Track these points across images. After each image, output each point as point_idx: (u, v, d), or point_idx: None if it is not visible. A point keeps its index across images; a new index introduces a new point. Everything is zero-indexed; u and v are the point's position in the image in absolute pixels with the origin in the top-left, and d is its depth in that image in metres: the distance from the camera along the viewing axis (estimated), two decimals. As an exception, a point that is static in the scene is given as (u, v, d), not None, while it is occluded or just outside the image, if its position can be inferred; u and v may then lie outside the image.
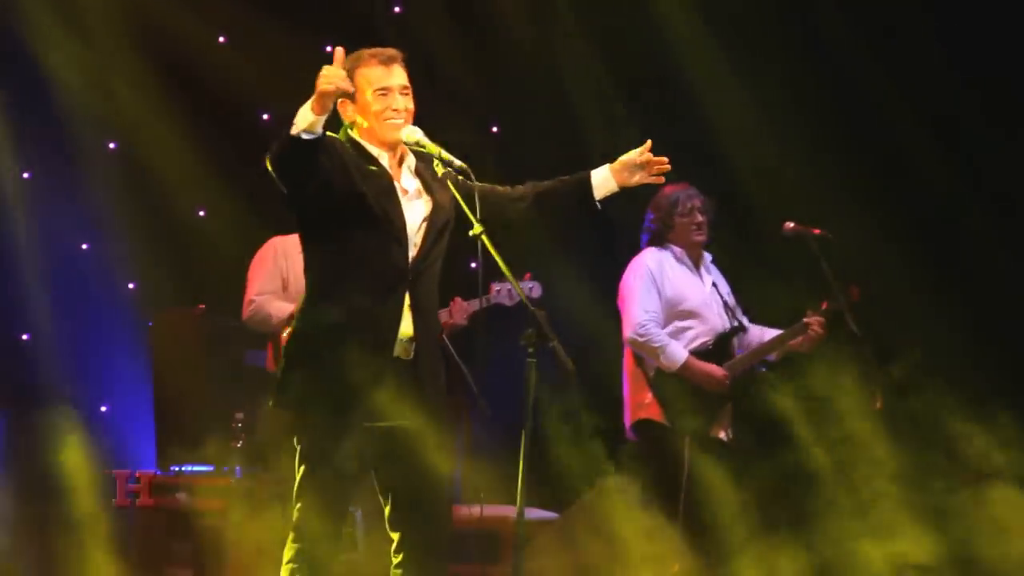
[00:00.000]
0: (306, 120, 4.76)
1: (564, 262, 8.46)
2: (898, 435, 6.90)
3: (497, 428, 7.75)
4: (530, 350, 4.95)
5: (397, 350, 5.00)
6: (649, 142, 5.22)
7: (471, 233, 4.97)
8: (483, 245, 4.95)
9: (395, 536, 5.04)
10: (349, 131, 5.14)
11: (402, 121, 5.08)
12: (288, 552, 5.00)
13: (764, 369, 7.09)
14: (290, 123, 4.78)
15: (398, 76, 5.11)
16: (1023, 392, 7.64)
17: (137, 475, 7.42)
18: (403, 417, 4.97)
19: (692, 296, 6.94)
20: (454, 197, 5.08)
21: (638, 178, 5.25)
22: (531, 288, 7.04)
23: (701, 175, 7.27)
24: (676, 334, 6.90)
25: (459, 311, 6.94)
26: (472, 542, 7.34)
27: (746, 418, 7.04)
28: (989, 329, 8.09)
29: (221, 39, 8.81)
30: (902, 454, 6.91)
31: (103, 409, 8.55)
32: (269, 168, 4.88)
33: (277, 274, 6.95)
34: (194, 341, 7.61)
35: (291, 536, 5.00)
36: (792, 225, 7.02)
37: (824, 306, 6.90)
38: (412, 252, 5.04)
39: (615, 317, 7.12)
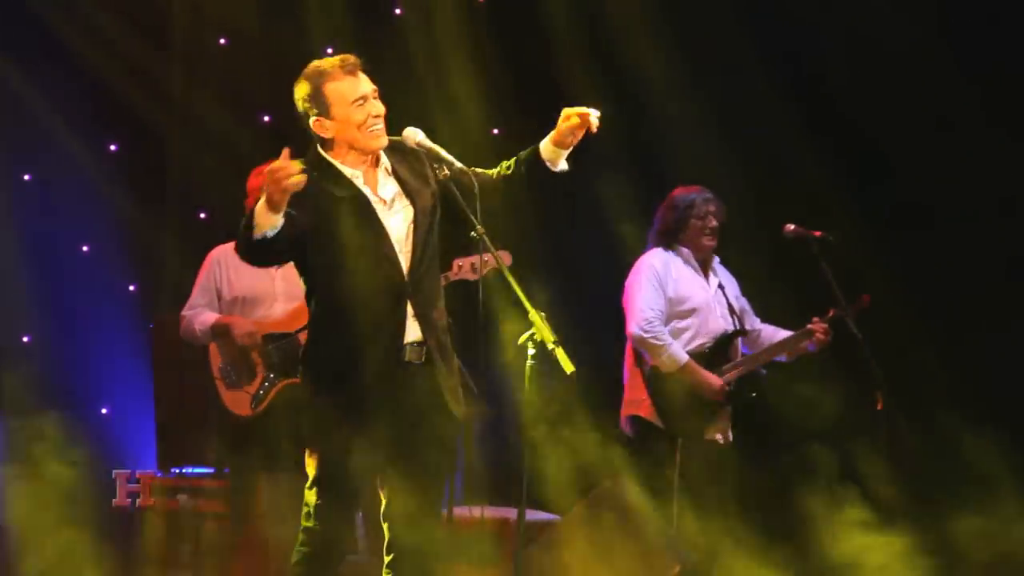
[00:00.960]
0: (267, 222, 4.75)
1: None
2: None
3: (498, 429, 7.77)
4: (531, 351, 4.95)
5: (408, 355, 5.00)
6: (565, 109, 5.14)
7: (472, 234, 4.98)
8: (484, 246, 4.96)
9: (387, 530, 5.04)
10: (320, 149, 5.10)
11: (382, 127, 5.07)
12: (300, 535, 5.01)
13: (764, 371, 7.09)
14: (248, 224, 4.77)
15: (366, 82, 5.09)
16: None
17: (137, 476, 7.42)
18: (414, 419, 4.98)
19: (695, 297, 6.96)
20: (435, 190, 5.09)
21: (570, 139, 5.15)
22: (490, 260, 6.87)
23: (703, 177, 7.30)
24: (675, 333, 6.91)
25: None
26: (473, 543, 7.33)
27: (745, 421, 7.05)
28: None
29: (222, 41, 8.81)
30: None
31: (104, 411, 8.54)
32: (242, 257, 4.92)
33: (210, 285, 6.96)
34: (195, 344, 7.60)
35: (303, 519, 5.01)
36: (792, 227, 7.02)
37: (831, 313, 6.90)
38: (405, 263, 5.03)
39: (613, 317, 7.15)
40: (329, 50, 8.16)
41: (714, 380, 6.84)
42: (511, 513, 6.70)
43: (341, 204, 4.99)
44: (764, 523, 6.87)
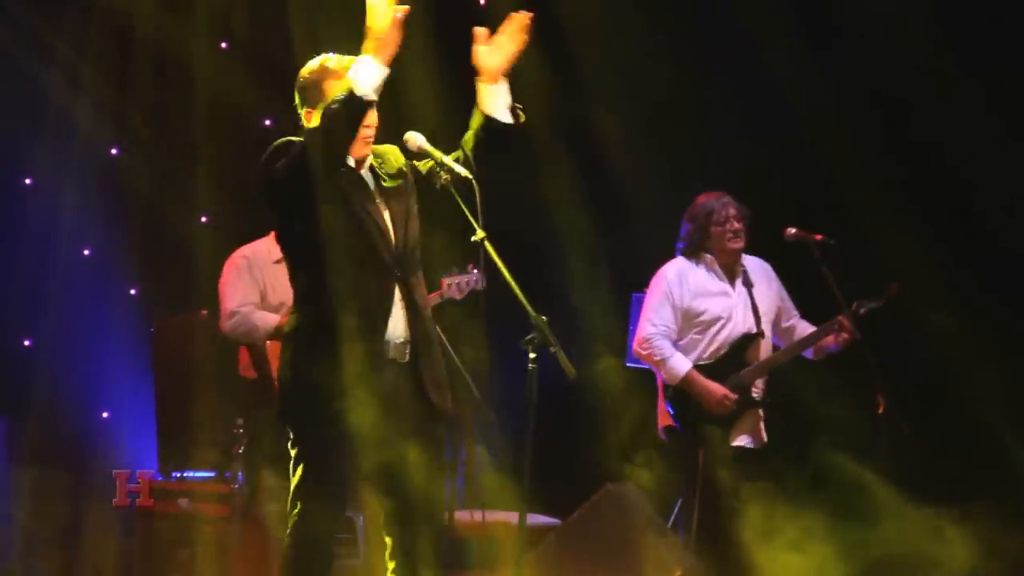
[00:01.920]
0: (378, 75, 4.77)
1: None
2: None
3: (499, 433, 7.77)
4: (531, 356, 4.94)
5: (393, 352, 4.99)
6: (475, 28, 5.12)
7: (473, 239, 4.97)
8: (485, 251, 4.96)
9: (388, 541, 5.04)
10: None
11: (371, 135, 5.07)
12: (287, 537, 4.99)
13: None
14: (339, 99, 4.77)
15: None
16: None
17: (138, 475, 7.42)
18: (400, 422, 4.96)
19: (713, 308, 6.91)
20: (409, 180, 5.11)
21: (499, 57, 5.12)
22: (476, 280, 6.90)
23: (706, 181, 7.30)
24: (692, 343, 6.89)
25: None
26: (474, 548, 7.33)
27: (779, 424, 7.03)
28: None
29: (223, 45, 8.81)
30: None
31: (104, 415, 8.54)
32: (316, 147, 4.84)
33: (254, 285, 6.94)
34: (196, 347, 7.60)
35: (289, 519, 4.99)
36: (794, 231, 7.00)
37: (854, 307, 6.86)
38: (393, 244, 5.03)
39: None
40: (330, 55, 8.16)
41: (714, 390, 6.80)
42: (512, 517, 6.69)
43: (343, 180, 5.01)
44: (796, 524, 6.85)
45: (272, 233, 6.64)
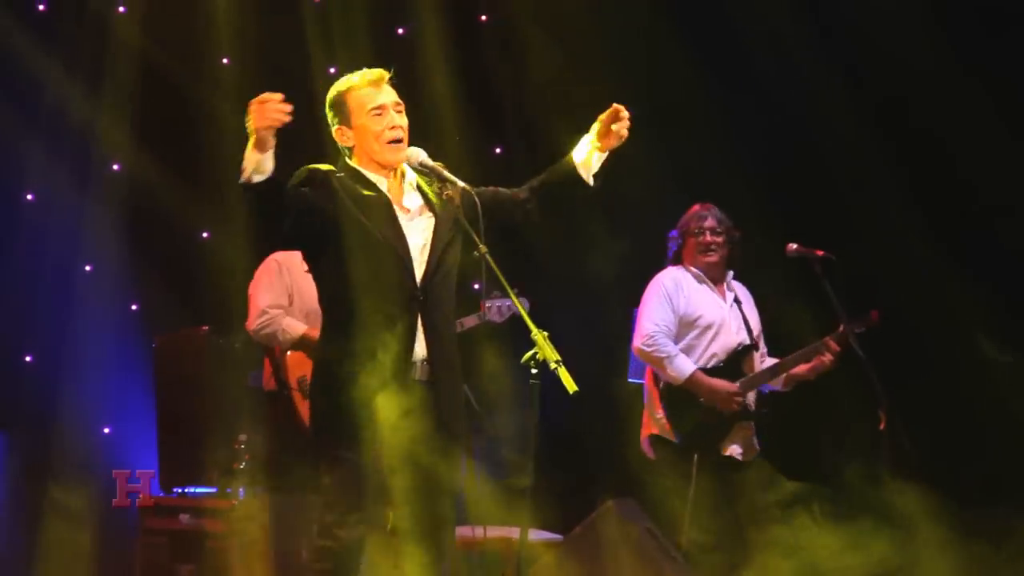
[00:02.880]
0: (251, 162, 4.79)
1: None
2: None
3: (500, 449, 7.76)
4: (533, 371, 4.94)
5: (417, 373, 5.01)
6: (617, 105, 5.15)
7: (475, 253, 4.98)
8: (487, 265, 4.96)
9: (400, 558, 5.04)
10: (347, 160, 5.14)
11: (401, 139, 5.10)
12: (314, 554, 5.04)
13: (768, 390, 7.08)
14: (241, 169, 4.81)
15: (389, 94, 5.13)
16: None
17: (138, 474, 7.43)
18: (420, 441, 4.97)
19: (709, 313, 6.96)
20: (456, 215, 5.08)
21: (614, 140, 5.16)
22: (522, 303, 6.96)
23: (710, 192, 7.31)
24: (688, 349, 6.91)
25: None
26: (475, 563, 7.32)
27: (768, 437, 7.04)
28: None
29: (224, 61, 8.82)
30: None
31: (106, 431, 8.53)
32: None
33: (284, 290, 6.95)
34: (198, 363, 7.59)
35: (316, 536, 5.01)
36: (795, 247, 7.02)
37: (840, 329, 6.88)
38: (419, 273, 5.04)
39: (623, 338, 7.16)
40: (332, 70, 8.18)
41: (725, 385, 6.82)
42: (514, 533, 6.69)
43: (363, 203, 5.03)
44: (778, 541, 6.84)
45: None
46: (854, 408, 7.14)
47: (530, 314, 4.99)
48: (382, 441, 4.92)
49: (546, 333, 4.87)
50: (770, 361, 7.07)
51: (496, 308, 6.98)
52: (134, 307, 8.72)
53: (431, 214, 5.13)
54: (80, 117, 8.50)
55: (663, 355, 6.86)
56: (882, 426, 6.78)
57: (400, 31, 9.04)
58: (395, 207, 5.09)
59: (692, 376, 6.83)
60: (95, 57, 8.53)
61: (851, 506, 6.82)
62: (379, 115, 5.09)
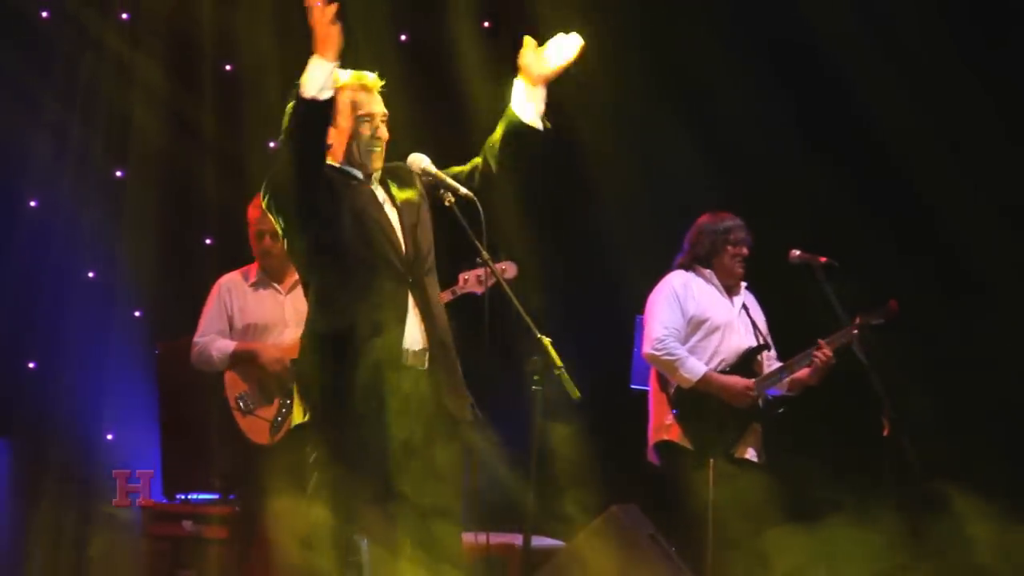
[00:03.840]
0: (322, 75, 4.81)
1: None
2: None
3: (503, 455, 7.74)
4: (536, 377, 4.94)
5: (411, 360, 4.99)
6: (526, 37, 5.15)
7: (478, 260, 4.99)
8: (489, 271, 4.97)
9: (406, 546, 5.03)
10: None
11: (380, 150, 5.11)
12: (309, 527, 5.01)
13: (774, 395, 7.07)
14: (296, 90, 4.82)
15: (379, 103, 5.17)
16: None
17: (138, 474, 7.43)
18: (418, 428, 4.96)
19: (717, 315, 6.96)
20: (421, 192, 5.15)
21: (547, 65, 5.13)
22: (504, 270, 6.83)
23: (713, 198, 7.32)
24: (694, 351, 6.90)
25: None
26: (478, 570, 7.31)
27: (775, 440, 7.03)
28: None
29: (228, 67, 8.83)
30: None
31: (109, 437, 8.53)
32: (289, 154, 4.90)
33: (221, 313, 7.02)
34: (200, 369, 7.59)
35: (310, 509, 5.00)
36: (798, 253, 7.02)
37: (857, 324, 6.86)
38: (403, 250, 5.04)
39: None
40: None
41: (739, 381, 6.82)
42: (516, 539, 6.68)
43: (347, 189, 5.07)
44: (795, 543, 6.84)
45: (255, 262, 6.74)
46: (858, 414, 7.14)
47: (543, 310, 4.98)
48: (382, 421, 4.89)
49: (549, 338, 4.87)
50: (778, 365, 7.06)
51: (476, 278, 6.83)
52: (137, 314, 8.71)
53: (392, 206, 5.15)
54: (83, 124, 8.50)
55: (673, 358, 6.85)
56: (886, 432, 6.78)
57: (403, 38, 9.04)
58: (376, 193, 5.14)
59: (705, 376, 6.82)
60: (93, 63, 8.53)
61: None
62: (367, 121, 5.12)
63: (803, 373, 6.94)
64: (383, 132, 5.13)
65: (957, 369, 7.87)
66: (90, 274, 8.67)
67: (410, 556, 5.03)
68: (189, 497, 7.48)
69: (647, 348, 6.93)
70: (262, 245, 7.04)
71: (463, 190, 5.08)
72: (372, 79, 5.17)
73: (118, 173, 8.72)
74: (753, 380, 6.85)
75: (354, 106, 5.11)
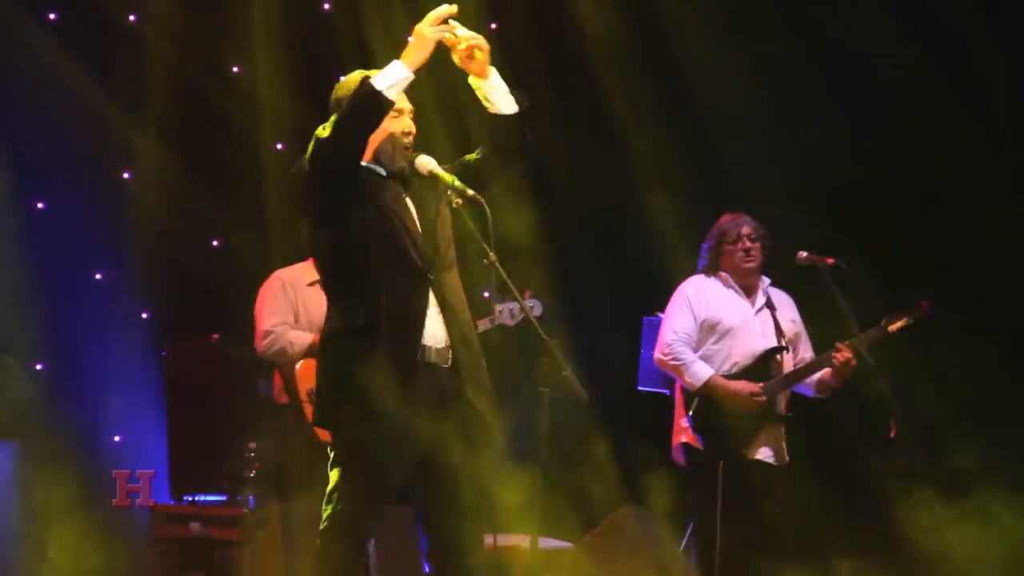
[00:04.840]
0: (398, 78, 4.85)
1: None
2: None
3: (511, 457, 7.75)
4: (543, 380, 4.94)
5: (435, 357, 4.97)
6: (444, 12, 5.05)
7: (485, 261, 4.98)
8: (496, 272, 4.96)
9: (428, 541, 5.02)
10: None
11: (409, 144, 5.10)
12: (325, 518, 4.98)
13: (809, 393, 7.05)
14: (364, 86, 4.83)
15: (406, 100, 5.13)
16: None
17: (138, 474, 7.43)
18: (442, 425, 4.94)
19: (730, 318, 6.93)
20: (439, 186, 5.12)
21: (477, 57, 5.11)
22: (532, 307, 7.00)
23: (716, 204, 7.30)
24: (708, 356, 6.89)
25: None
26: (485, 572, 7.31)
27: (800, 440, 7.02)
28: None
29: (235, 69, 8.84)
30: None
31: (116, 439, 8.54)
32: (328, 146, 4.87)
33: (289, 306, 6.96)
34: (208, 371, 7.60)
35: (323, 523, 4.97)
36: (806, 254, 7.00)
37: (884, 324, 6.85)
38: (424, 248, 5.03)
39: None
40: (342, 78, 8.17)
41: (744, 386, 6.80)
42: (525, 540, 6.68)
43: (372, 186, 5.06)
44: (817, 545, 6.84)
45: (309, 259, 6.71)
46: (866, 416, 7.14)
47: (541, 318, 4.99)
48: (403, 420, 4.87)
49: (557, 341, 4.87)
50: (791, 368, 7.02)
51: (508, 311, 6.95)
52: (144, 315, 8.72)
53: (415, 202, 5.15)
54: (91, 125, 8.50)
55: (679, 362, 6.85)
56: (892, 434, 6.76)
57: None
58: (399, 188, 5.13)
59: (709, 380, 6.81)
60: (107, 64, 8.54)
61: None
62: (396, 117, 5.10)
63: (825, 375, 6.91)
64: (410, 126, 5.14)
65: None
66: (97, 276, 8.67)
67: (430, 554, 5.03)
68: (196, 499, 7.48)
69: (656, 353, 6.96)
70: None
71: (470, 192, 5.07)
72: None
73: (125, 175, 8.72)
74: (760, 384, 6.82)
75: None
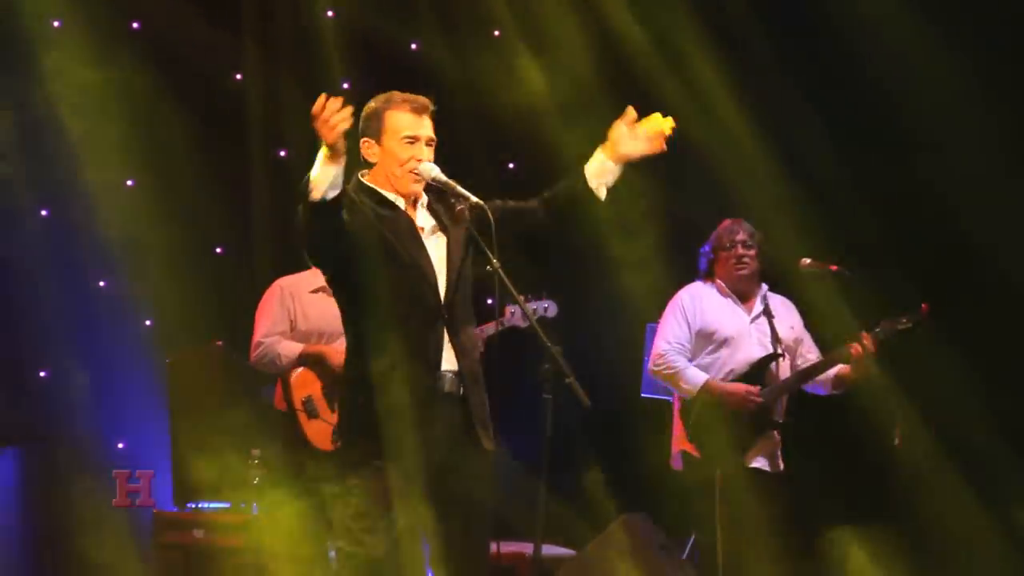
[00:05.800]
0: (326, 178, 4.72)
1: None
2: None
3: (514, 465, 7.75)
4: (546, 386, 4.94)
5: (447, 386, 4.97)
6: (630, 107, 5.06)
7: (488, 268, 4.96)
8: (499, 279, 4.95)
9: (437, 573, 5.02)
10: (361, 177, 5.10)
11: (418, 171, 5.05)
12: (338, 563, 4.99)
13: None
14: (304, 187, 4.72)
15: (427, 127, 5.07)
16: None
17: (138, 475, 7.43)
18: (456, 456, 4.95)
19: (726, 327, 6.92)
20: (468, 230, 5.06)
21: (634, 147, 5.06)
22: (546, 308, 6.99)
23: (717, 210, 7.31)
24: (705, 366, 6.89)
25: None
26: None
27: (796, 448, 7.01)
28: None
29: (237, 76, 8.85)
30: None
31: (120, 446, 8.54)
32: (300, 231, 4.84)
33: (284, 316, 6.97)
34: (211, 378, 7.61)
35: (340, 544, 4.98)
36: (809, 261, 7.00)
37: (880, 329, 6.84)
38: (442, 289, 5.01)
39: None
40: (345, 85, 8.19)
41: (736, 389, 6.78)
42: (527, 548, 6.68)
43: (385, 221, 4.98)
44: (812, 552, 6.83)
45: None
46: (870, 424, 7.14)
47: (553, 320, 4.98)
48: (413, 453, 4.88)
49: (559, 347, 4.87)
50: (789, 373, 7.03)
51: (520, 313, 6.91)
52: (148, 323, 8.73)
53: (442, 233, 5.09)
54: (94, 132, 8.50)
55: (673, 370, 6.85)
56: (898, 442, 6.77)
57: (413, 46, 9.05)
58: (414, 224, 5.06)
59: (706, 384, 6.81)
60: (106, 69, 8.54)
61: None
62: (410, 144, 5.02)
63: (843, 369, 6.89)
64: (427, 155, 5.04)
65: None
66: (101, 283, 8.68)
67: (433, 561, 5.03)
68: (200, 506, 7.48)
69: (650, 365, 6.97)
70: None
71: (474, 199, 5.05)
72: (423, 101, 5.07)
73: (129, 182, 8.73)
74: (758, 387, 6.82)
75: (399, 127, 5.02)
